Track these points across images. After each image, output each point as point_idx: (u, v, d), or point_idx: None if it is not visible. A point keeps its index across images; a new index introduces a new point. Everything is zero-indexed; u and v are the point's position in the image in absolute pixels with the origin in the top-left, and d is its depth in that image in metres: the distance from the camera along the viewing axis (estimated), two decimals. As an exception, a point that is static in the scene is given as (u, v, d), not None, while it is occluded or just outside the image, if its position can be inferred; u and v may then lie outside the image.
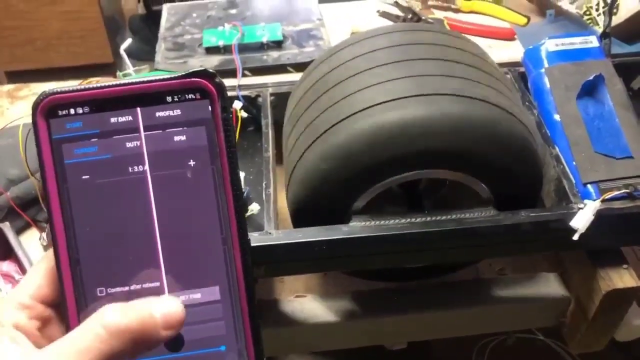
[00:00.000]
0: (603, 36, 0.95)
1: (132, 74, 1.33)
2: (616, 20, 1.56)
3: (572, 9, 1.79)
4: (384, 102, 0.74)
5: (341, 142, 0.74)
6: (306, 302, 0.91)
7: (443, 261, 0.87)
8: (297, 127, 0.82)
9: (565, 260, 0.93)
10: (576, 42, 0.94)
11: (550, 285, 0.93)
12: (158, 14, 3.06)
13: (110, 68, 2.76)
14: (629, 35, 1.57)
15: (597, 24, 1.77)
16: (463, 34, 0.86)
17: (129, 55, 1.46)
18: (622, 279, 0.82)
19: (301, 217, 0.81)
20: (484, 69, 0.81)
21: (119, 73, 1.28)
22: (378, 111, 0.74)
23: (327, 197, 0.77)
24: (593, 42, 0.95)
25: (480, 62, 0.82)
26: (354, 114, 0.75)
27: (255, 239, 0.77)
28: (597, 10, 1.78)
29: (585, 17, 1.77)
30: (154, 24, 1.32)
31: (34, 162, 1.04)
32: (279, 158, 0.91)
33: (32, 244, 1.00)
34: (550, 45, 0.94)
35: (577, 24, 1.67)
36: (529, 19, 1.21)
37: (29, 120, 0.40)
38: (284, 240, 0.77)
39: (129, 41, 1.40)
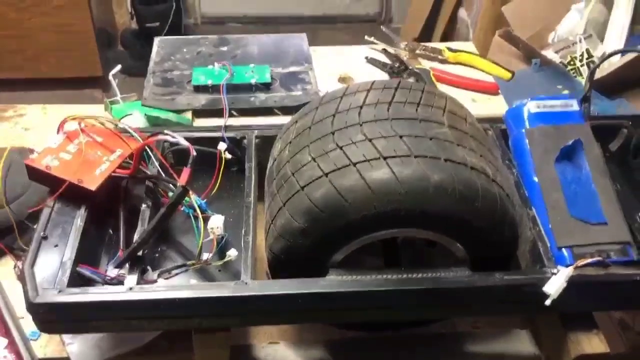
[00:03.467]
0: (583, 100, 0.97)
1: (120, 102, 1.33)
2: (599, 73, 1.61)
3: (556, 58, 1.84)
4: (367, 160, 0.75)
5: (321, 198, 0.75)
6: (279, 350, 0.91)
7: (417, 318, 0.88)
8: (278, 177, 0.83)
9: (538, 319, 0.94)
10: (557, 105, 0.96)
11: (522, 343, 0.94)
12: (151, 30, 3.04)
13: (99, 81, 2.75)
14: (611, 89, 1.62)
15: (581, 75, 1.81)
16: (449, 95, 0.88)
17: (120, 70, 1.45)
18: (591, 344, 0.83)
19: (279, 267, 0.81)
20: (467, 130, 0.83)
21: (106, 100, 1.28)
22: (360, 169, 0.75)
23: (305, 250, 0.78)
24: (573, 105, 0.97)
25: (464, 124, 0.84)
26: (336, 170, 0.76)
27: (231, 288, 0.77)
28: (580, 60, 1.82)
29: (569, 67, 1.82)
30: (146, 39, 1.33)
31: (12, 191, 1.03)
32: (261, 195, 0.92)
33: (7, 273, 0.99)
34: (532, 106, 0.96)
35: (561, 74, 1.71)
36: (513, 74, 1.24)
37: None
38: (260, 292, 0.77)
39: (118, 67, 1.39)
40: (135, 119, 1.18)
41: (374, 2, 3.39)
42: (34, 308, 0.74)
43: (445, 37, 2.80)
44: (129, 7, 3.05)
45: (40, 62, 2.75)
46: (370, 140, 0.77)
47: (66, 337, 0.91)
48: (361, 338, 0.94)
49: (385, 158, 0.75)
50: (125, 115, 1.22)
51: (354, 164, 0.75)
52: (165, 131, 0.86)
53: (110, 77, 1.36)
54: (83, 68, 2.79)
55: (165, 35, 2.80)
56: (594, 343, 0.83)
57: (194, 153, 0.82)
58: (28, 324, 0.80)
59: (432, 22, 2.89)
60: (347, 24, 3.35)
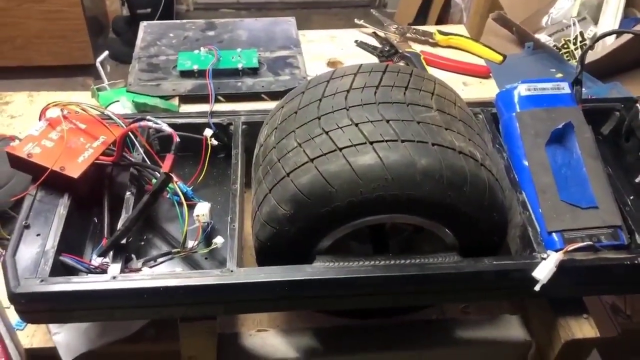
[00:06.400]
0: (575, 83, 0.95)
1: (107, 89, 1.31)
2: (592, 56, 1.59)
3: (550, 41, 1.82)
4: (353, 145, 0.74)
5: (306, 184, 0.73)
6: (268, 337, 0.90)
7: (405, 304, 0.87)
8: (264, 163, 0.81)
9: (528, 304, 0.93)
10: (548, 87, 0.95)
11: (512, 328, 0.93)
12: (142, 17, 3.01)
13: (91, 69, 2.72)
14: (604, 72, 1.60)
15: (574, 58, 1.79)
16: (438, 78, 0.86)
17: (112, 57, 1.43)
18: (581, 329, 0.83)
19: (265, 254, 0.80)
20: (456, 114, 0.81)
21: (93, 87, 1.26)
22: (346, 154, 0.73)
23: (291, 237, 0.77)
24: (565, 88, 0.95)
25: (453, 108, 0.82)
26: (322, 155, 0.74)
27: (216, 276, 0.76)
28: (574, 44, 1.80)
29: (563, 51, 1.80)
30: (138, 26, 1.31)
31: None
32: (248, 182, 0.90)
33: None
34: (523, 89, 0.94)
35: (555, 58, 1.70)
36: (504, 57, 1.22)
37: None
38: (245, 280, 0.76)
39: (105, 53, 1.37)
40: (123, 106, 1.16)
41: (368, -13, 3.36)
42: (15, 298, 0.73)
43: (439, 22, 2.77)
44: (119, -6, 3.01)
45: (30, 50, 2.72)
46: (356, 124, 0.76)
47: (52, 327, 0.90)
48: (352, 325, 0.93)
49: (372, 143, 0.74)
50: (113, 102, 1.20)
51: (340, 149, 0.74)
52: (148, 117, 0.84)
53: (98, 64, 1.34)
54: (74, 55, 2.75)
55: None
56: (585, 328, 0.83)
57: (177, 139, 0.80)
58: (14, 314, 0.79)
59: (426, 6, 2.86)
60: (341, 9, 3.32)
